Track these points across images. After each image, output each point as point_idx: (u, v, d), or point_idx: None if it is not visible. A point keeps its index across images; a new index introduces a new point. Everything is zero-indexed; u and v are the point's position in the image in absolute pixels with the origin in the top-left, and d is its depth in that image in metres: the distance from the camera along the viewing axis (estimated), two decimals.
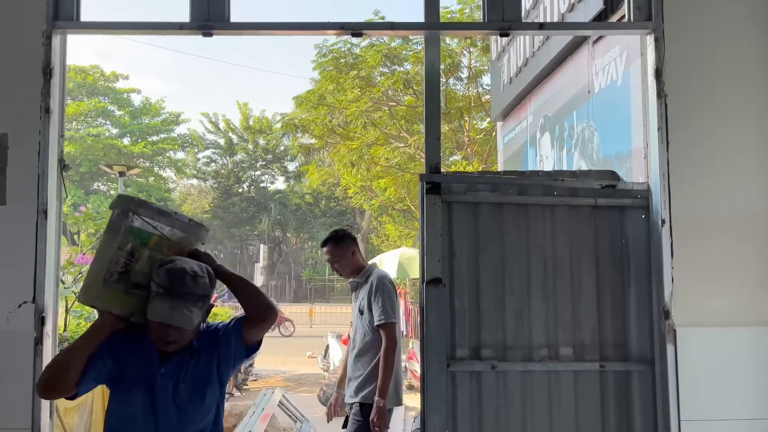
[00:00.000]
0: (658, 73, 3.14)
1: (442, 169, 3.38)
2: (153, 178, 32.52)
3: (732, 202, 3.04)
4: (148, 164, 32.03)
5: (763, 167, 3.08)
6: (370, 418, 3.87)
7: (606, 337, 3.34)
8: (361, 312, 4.12)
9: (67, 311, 6.96)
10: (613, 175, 3.46)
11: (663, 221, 3.06)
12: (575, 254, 3.37)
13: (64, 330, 6.84)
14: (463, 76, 14.43)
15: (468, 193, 3.34)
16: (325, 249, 4.22)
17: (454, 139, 14.62)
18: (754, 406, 2.94)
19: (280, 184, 37.47)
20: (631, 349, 3.31)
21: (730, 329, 2.98)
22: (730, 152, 3.08)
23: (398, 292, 12.92)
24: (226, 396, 9.30)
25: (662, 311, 3.06)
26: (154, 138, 32.04)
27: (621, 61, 5.03)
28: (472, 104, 14.05)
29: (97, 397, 6.32)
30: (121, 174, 8.07)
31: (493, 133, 13.45)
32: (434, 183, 3.28)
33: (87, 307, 7.83)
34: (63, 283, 6.97)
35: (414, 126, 14.76)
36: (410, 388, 10.15)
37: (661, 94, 3.13)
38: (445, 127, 13.97)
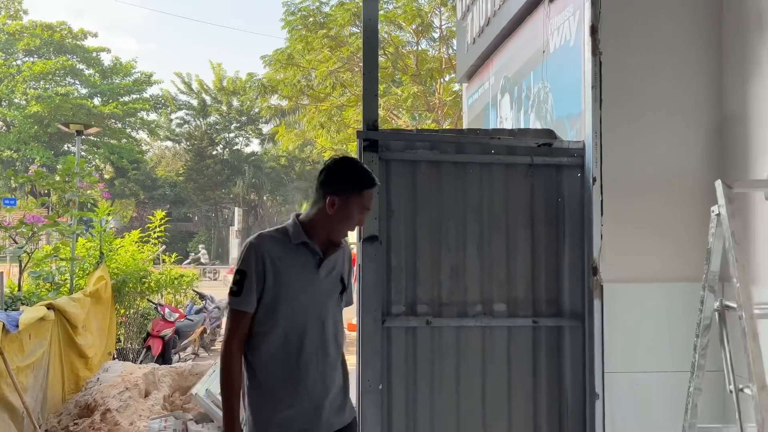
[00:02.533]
0: (594, 30, 3.13)
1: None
2: (125, 139, 31.91)
3: (660, 161, 3.08)
4: (119, 125, 31.39)
5: (690, 127, 3.10)
6: None
7: (539, 294, 3.39)
8: (344, 285, 2.51)
9: (21, 271, 6.89)
10: (549, 133, 3.47)
11: (594, 179, 3.09)
12: (511, 212, 3.40)
13: (18, 289, 6.78)
14: (435, 36, 14.25)
15: (406, 151, 3.33)
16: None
17: (425, 102, 14.50)
18: (673, 358, 3.03)
19: (254, 146, 37.09)
20: (564, 305, 3.38)
21: (654, 285, 3.05)
22: (659, 112, 3.10)
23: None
24: (191, 356, 9.26)
25: (591, 268, 3.11)
26: (126, 99, 31.32)
27: (574, 21, 4.98)
28: (444, 66, 13.91)
29: (54, 357, 6.32)
30: (79, 133, 7.88)
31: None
32: (372, 140, 3.26)
33: (45, 268, 7.77)
34: (16, 243, 6.88)
35: (390, 89, 14.60)
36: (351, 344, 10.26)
37: (596, 51, 3.13)
38: (415, 89, 13.85)
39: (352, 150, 16.64)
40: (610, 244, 3.06)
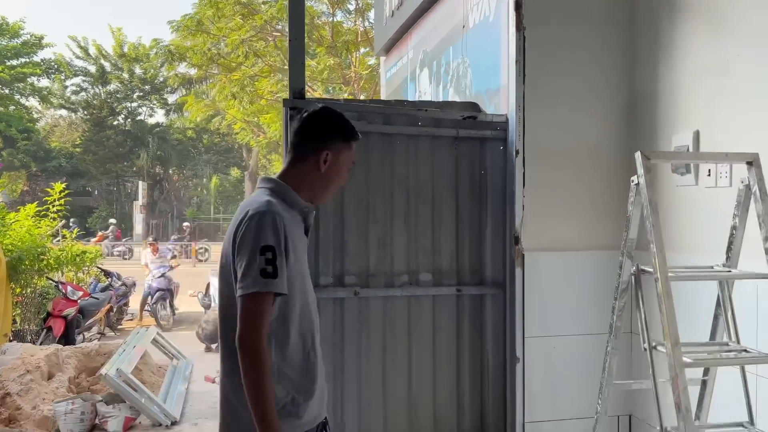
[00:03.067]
0: (518, 5, 3.20)
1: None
2: (14, 106, 29.46)
3: (578, 135, 3.23)
4: (6, 91, 28.92)
5: (605, 103, 3.27)
6: None
7: (463, 263, 3.49)
8: None
9: None
10: (474, 106, 3.54)
11: (517, 152, 3.19)
12: (437, 184, 3.45)
13: None
14: (350, 8, 14.09)
15: None
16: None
17: (340, 74, 14.37)
18: (588, 322, 3.22)
19: (159, 117, 35.34)
20: (486, 274, 3.50)
21: (572, 253, 3.22)
22: (578, 88, 3.23)
23: None
24: (97, 336, 8.85)
25: (513, 237, 3.23)
26: (14, 62, 28.86)
27: None
28: (359, 39, 13.80)
29: None
30: None
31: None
32: (298, 109, 3.19)
33: None
34: None
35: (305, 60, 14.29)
36: None
37: (520, 26, 3.21)
38: (330, 61, 13.68)
39: (264, 123, 16.27)
40: (532, 215, 3.18)
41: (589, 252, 3.23)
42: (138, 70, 32.58)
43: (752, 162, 2.15)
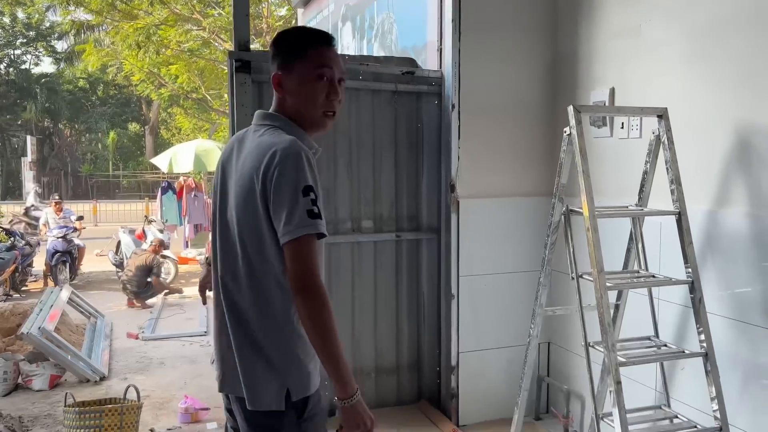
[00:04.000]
0: None
1: None
2: None
3: (507, 91, 3.51)
4: None
5: (532, 61, 3.56)
6: None
7: (401, 211, 3.74)
8: None
9: None
10: (411, 62, 3.73)
11: (453, 106, 3.43)
12: (377, 136, 3.65)
13: None
14: None
15: None
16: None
17: (252, 26, 13.96)
18: (515, 261, 3.59)
19: (46, 66, 32.68)
20: (422, 221, 3.77)
21: (501, 200, 3.54)
22: (508, 47, 3.50)
23: (196, 185, 12.41)
24: (3, 298, 8.45)
25: (449, 185, 3.50)
26: None
27: None
28: None
29: None
30: None
31: (293, 21, 13.15)
32: (244, 61, 3.25)
33: None
34: None
35: (209, 9, 13.76)
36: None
37: None
38: None
39: (167, 75, 15.59)
40: (466, 165, 3.45)
41: (517, 198, 3.56)
42: (20, 14, 29.83)
43: (662, 115, 2.50)
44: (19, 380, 5.47)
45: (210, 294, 1.96)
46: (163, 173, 13.75)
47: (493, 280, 3.55)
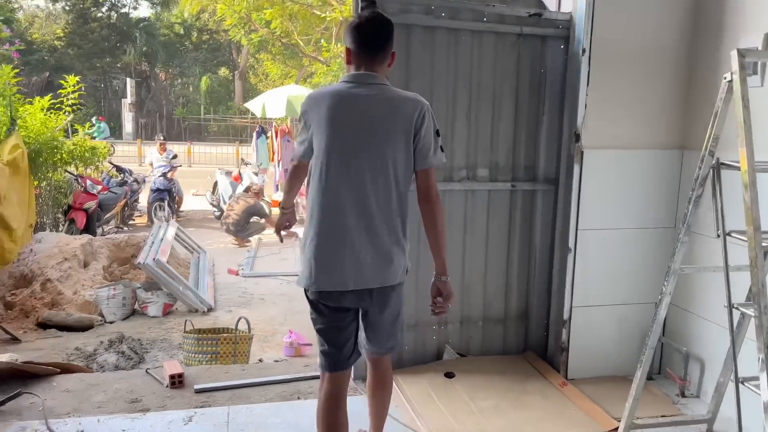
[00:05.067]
0: None
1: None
2: None
3: (643, 35, 3.28)
4: None
5: (672, 3, 3.30)
6: None
7: (518, 160, 3.64)
8: None
9: None
10: (539, 3, 3.56)
11: (583, 50, 3.25)
12: (498, 82, 3.53)
13: None
14: None
15: (401, 15, 3.30)
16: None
17: None
18: (637, 217, 3.43)
19: (144, 10, 33.72)
20: (539, 171, 3.66)
21: (630, 151, 3.37)
22: None
23: (288, 130, 12.62)
24: (114, 230, 8.97)
25: (573, 135, 3.36)
26: None
27: None
28: None
29: None
30: None
31: None
32: (370, 1, 3.20)
33: None
34: None
35: None
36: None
37: None
38: None
39: (258, 20, 15.73)
40: (593, 113, 3.30)
41: (646, 150, 3.38)
42: None
43: None
44: (136, 306, 5.89)
45: (294, 231, 2.37)
46: (252, 117, 14.06)
47: (612, 235, 3.42)
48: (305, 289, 2.26)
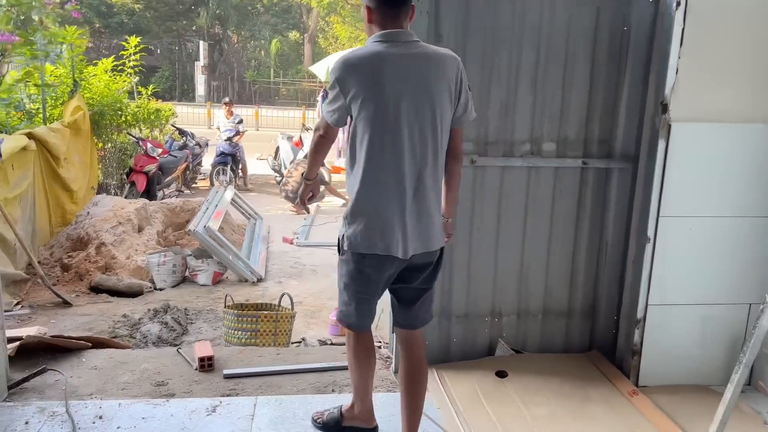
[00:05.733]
0: None
1: None
2: None
3: None
4: None
5: None
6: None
7: (591, 133, 3.17)
8: None
9: None
10: None
11: (678, 3, 2.72)
12: (571, 43, 3.05)
13: None
14: None
15: None
16: None
17: None
18: (738, 203, 2.91)
19: None
20: (615, 147, 3.18)
21: (728, 126, 2.83)
22: None
23: None
24: (175, 194, 8.97)
25: (659, 105, 2.86)
26: None
27: None
28: None
29: (39, 189, 5.99)
30: None
31: None
32: None
33: (15, 95, 7.14)
34: None
35: None
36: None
37: None
38: None
39: None
40: (685, 80, 2.77)
41: (751, 125, 2.84)
42: None
43: None
44: (187, 273, 5.81)
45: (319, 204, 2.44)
46: (320, 81, 13.80)
47: (699, 224, 2.92)
48: (354, 254, 2.20)
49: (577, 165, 3.16)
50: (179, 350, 3.31)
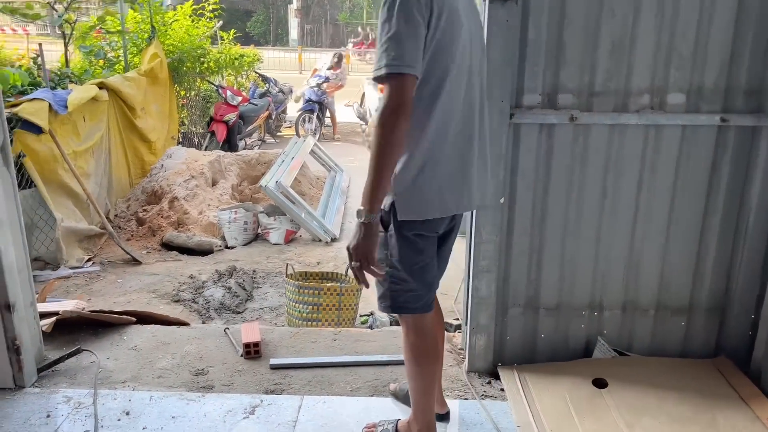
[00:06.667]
0: None
1: None
2: None
3: None
4: None
5: None
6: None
7: (736, 80, 2.41)
8: None
9: (66, 45, 6.18)
10: None
11: None
12: None
13: (66, 65, 6.15)
14: None
15: None
16: None
17: None
18: None
19: None
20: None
21: None
22: None
23: None
24: (257, 143, 8.69)
25: None
26: None
27: None
28: None
29: (115, 141, 5.86)
30: None
31: None
32: None
33: (96, 43, 7.04)
34: (56, 10, 6.08)
35: None
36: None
37: None
38: None
39: None
40: None
41: None
42: None
43: None
44: (259, 231, 5.53)
45: None
46: None
47: None
48: (411, 221, 1.82)
49: (714, 123, 2.42)
50: (227, 330, 2.97)
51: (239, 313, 4.08)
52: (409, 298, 1.89)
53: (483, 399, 2.47)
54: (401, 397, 2.42)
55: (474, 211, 2.53)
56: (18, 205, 2.46)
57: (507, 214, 2.54)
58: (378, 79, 1.64)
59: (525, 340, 2.68)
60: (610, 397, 2.43)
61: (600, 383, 2.51)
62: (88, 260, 4.85)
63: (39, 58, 5.33)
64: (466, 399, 2.47)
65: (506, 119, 2.41)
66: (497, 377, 2.62)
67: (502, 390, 2.53)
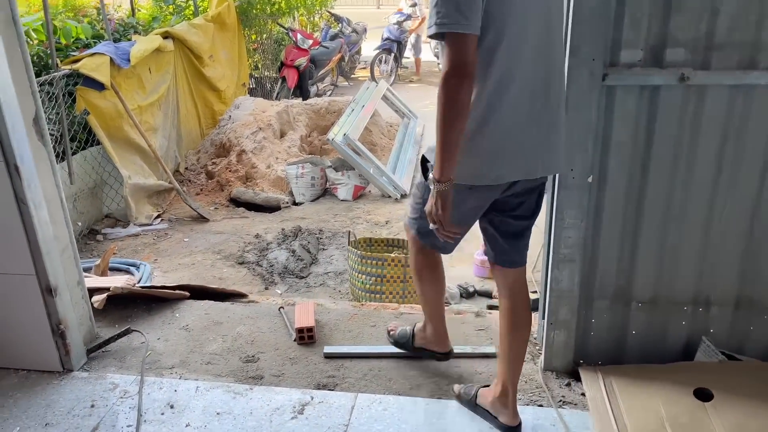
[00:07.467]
0: None
1: None
2: None
3: None
4: None
5: None
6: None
7: None
8: None
9: None
10: None
11: None
12: None
13: (132, 15, 6.02)
14: None
15: None
16: None
17: None
18: None
19: None
20: None
21: None
22: None
23: None
24: (330, 87, 8.37)
25: None
26: None
27: None
28: None
29: (183, 92, 5.74)
30: None
31: None
32: None
33: None
34: None
35: None
36: None
37: None
38: None
39: None
40: None
41: None
42: None
43: None
44: (327, 186, 5.32)
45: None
46: None
47: None
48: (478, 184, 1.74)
49: None
50: (281, 310, 2.79)
51: (303, 278, 3.92)
52: (435, 240, 1.87)
53: (561, 407, 2.17)
54: (465, 402, 2.16)
55: (555, 192, 2.15)
56: (58, 182, 2.31)
57: (596, 194, 2.14)
58: (434, 37, 1.52)
59: (612, 336, 2.32)
60: (716, 413, 2.06)
61: (704, 394, 2.13)
62: (157, 216, 4.82)
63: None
64: (540, 406, 2.17)
65: (598, 82, 1.98)
66: (577, 377, 2.30)
67: (583, 395, 2.21)
